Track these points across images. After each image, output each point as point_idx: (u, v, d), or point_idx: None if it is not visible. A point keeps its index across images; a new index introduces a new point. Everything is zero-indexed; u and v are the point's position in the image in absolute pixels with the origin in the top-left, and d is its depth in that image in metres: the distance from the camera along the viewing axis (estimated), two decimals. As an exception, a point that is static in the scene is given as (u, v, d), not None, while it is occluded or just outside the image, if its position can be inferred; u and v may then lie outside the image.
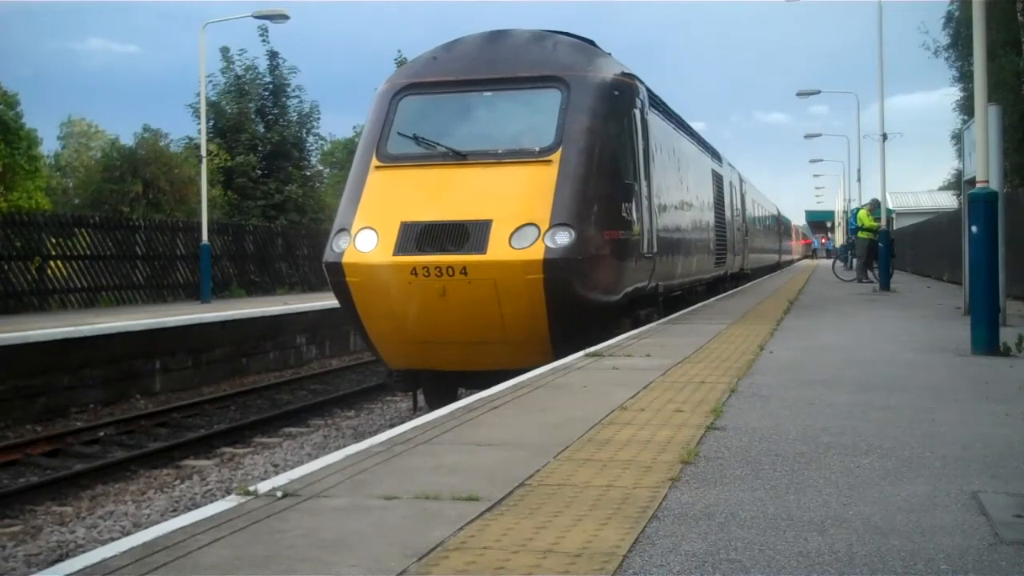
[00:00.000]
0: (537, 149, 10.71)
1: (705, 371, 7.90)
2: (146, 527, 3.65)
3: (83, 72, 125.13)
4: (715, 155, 23.62)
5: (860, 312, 15.82)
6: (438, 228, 10.26)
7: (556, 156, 10.57)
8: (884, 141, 26.12)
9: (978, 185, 9.75)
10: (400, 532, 3.51)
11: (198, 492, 9.34)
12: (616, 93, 11.67)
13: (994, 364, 8.46)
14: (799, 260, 73.89)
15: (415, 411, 12.16)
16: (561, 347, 10.03)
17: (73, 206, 29.95)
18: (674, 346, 9.87)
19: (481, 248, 10.00)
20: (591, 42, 12.67)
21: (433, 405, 10.95)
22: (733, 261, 25.15)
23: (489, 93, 11.49)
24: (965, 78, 26.36)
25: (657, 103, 14.66)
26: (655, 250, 12.76)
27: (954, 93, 30.71)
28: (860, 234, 25.99)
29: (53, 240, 20.59)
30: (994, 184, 10.10)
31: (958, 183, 24.39)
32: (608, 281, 11.05)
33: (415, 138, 11.06)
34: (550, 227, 10.08)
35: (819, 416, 5.85)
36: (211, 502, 4.05)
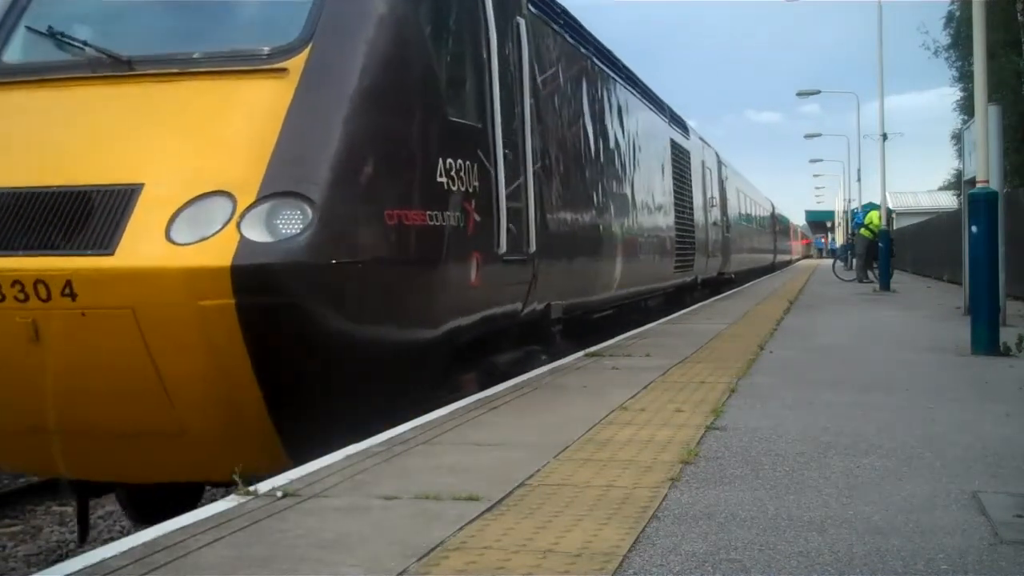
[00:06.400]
0: (265, 51, 5.91)
1: (705, 371, 7.90)
2: (146, 527, 3.65)
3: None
4: (678, 122, 18.17)
5: (860, 312, 15.83)
6: (32, 202, 5.48)
7: (298, 62, 5.81)
8: (884, 141, 26.18)
9: (978, 185, 9.76)
10: (400, 532, 3.51)
11: (198, 492, 9.33)
12: None
13: (994, 364, 8.46)
14: (798, 260, 73.86)
15: (81, 543, 6.68)
16: (301, 438, 5.51)
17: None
18: (673, 346, 9.87)
19: (104, 242, 5.27)
20: None
21: (143, 518, 6.59)
22: (706, 264, 20.00)
23: None
24: (965, 78, 26.35)
25: (555, 12, 9.67)
26: (533, 248, 8.01)
27: (952, 93, 30.76)
28: (861, 231, 26.05)
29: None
30: (994, 184, 10.11)
31: (958, 183, 24.41)
32: (403, 307, 6.18)
33: (54, 35, 6.30)
34: (260, 198, 5.36)
35: (819, 416, 5.85)
36: (211, 502, 4.05)
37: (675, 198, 16.46)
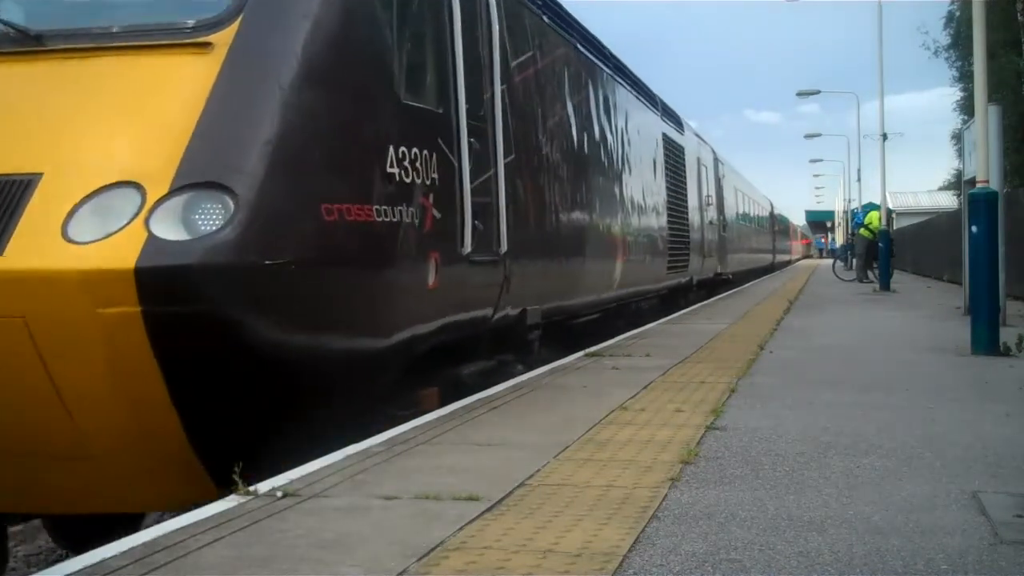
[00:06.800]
0: (189, 23, 5.29)
1: (705, 371, 7.90)
2: (146, 527, 3.66)
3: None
4: (671, 117, 17.43)
5: (860, 312, 15.84)
6: None
7: (225, 36, 5.20)
8: (884, 141, 26.21)
9: (978, 185, 9.77)
10: (400, 532, 3.52)
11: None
12: None
13: (994, 364, 8.46)
14: (798, 260, 73.77)
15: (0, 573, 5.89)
16: (230, 463, 4.46)
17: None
18: (674, 346, 9.87)
19: None
20: None
21: (72, 545, 6.11)
22: (701, 264, 19.47)
23: None
24: (965, 78, 26.36)
25: None
26: (505, 248, 7.35)
27: (952, 93, 30.76)
28: (861, 231, 26.08)
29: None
30: (994, 184, 10.11)
31: (958, 183, 24.42)
32: (346, 314, 5.52)
33: None
34: (173, 189, 4.75)
35: (819, 416, 5.85)
36: (211, 502, 4.05)
37: (668, 196, 15.77)
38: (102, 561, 3.25)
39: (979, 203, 9.38)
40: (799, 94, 38.54)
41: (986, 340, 9.11)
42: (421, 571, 3.10)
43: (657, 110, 15.95)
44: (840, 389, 6.95)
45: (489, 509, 3.79)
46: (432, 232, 6.25)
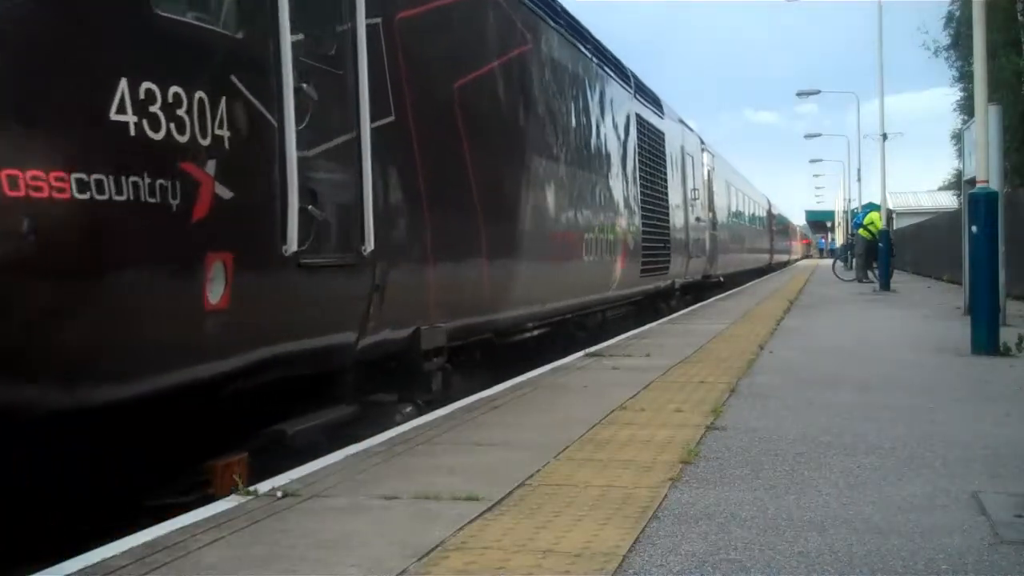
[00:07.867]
0: None
1: (705, 371, 7.90)
2: (146, 527, 3.65)
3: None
4: (647, 96, 15.20)
5: (860, 312, 15.84)
6: None
7: None
8: (884, 141, 26.23)
9: (978, 185, 9.77)
10: (400, 532, 3.51)
11: (198, 492, 9.30)
12: None
13: (994, 364, 8.46)
14: (798, 261, 73.67)
15: None
16: None
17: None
18: (673, 346, 9.88)
19: None
20: None
21: None
22: (686, 266, 17.53)
23: None
24: (965, 78, 26.34)
25: None
26: (372, 246, 5.40)
27: (952, 93, 30.76)
28: (860, 231, 26.11)
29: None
30: (994, 184, 10.11)
31: (958, 183, 24.42)
32: (30, 351, 3.57)
33: None
34: None
35: (819, 416, 5.85)
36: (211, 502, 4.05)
37: (643, 187, 13.80)
38: (102, 561, 3.24)
39: (979, 203, 9.39)
40: (799, 94, 38.62)
41: (986, 340, 9.11)
42: (421, 571, 3.10)
43: (629, 87, 13.62)
44: (840, 389, 6.96)
45: (489, 509, 3.79)
46: (215, 220, 4.17)
